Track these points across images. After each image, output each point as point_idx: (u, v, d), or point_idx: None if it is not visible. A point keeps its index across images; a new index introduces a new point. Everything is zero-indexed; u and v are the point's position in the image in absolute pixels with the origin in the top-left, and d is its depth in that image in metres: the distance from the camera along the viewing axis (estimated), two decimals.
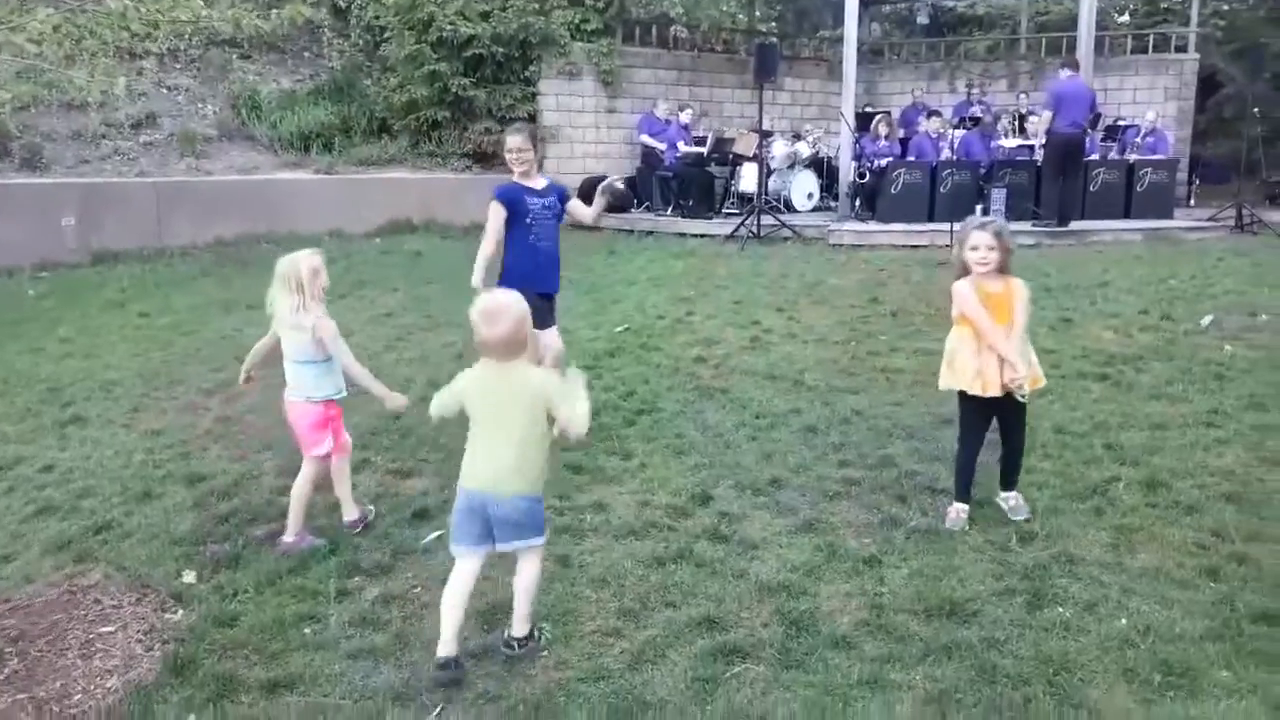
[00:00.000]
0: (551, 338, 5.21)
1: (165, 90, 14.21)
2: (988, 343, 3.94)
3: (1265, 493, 4.26)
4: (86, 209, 11.48)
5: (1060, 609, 3.35)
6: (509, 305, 3.06)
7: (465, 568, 3.15)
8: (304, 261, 4.11)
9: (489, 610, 3.46)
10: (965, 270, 4.00)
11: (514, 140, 5.22)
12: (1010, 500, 4.17)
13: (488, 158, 14.64)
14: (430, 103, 14.23)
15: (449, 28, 13.82)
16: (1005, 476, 4.21)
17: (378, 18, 14.92)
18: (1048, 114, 12.61)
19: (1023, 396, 3.96)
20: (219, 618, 3.46)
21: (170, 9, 3.30)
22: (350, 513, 4.24)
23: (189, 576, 3.80)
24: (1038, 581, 3.53)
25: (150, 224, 11.83)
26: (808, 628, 3.26)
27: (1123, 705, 2.82)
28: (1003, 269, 3.96)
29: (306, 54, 16.19)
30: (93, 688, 3.05)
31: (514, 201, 5.21)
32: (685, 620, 3.34)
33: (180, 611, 3.53)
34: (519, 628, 3.21)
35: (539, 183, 5.32)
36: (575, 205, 5.53)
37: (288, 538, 4.09)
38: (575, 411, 3.04)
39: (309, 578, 3.76)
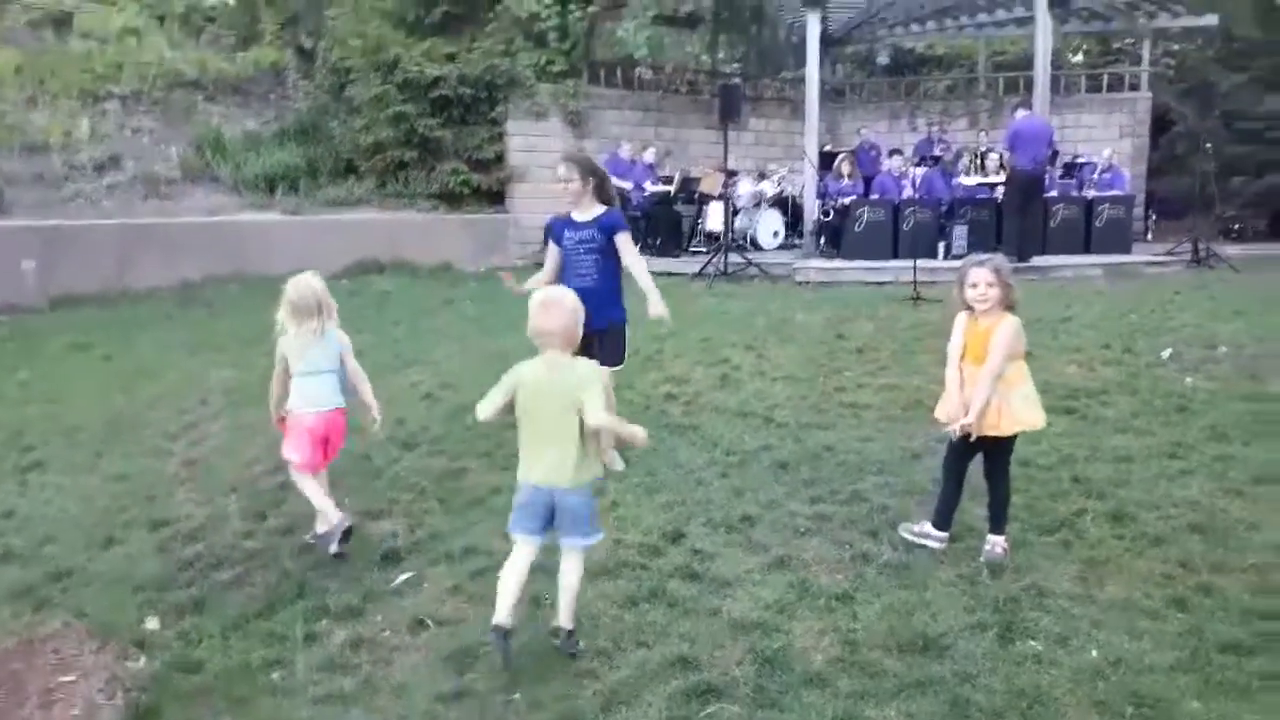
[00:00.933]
0: None
1: (129, 132, 14.13)
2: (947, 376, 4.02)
3: (1229, 523, 4.32)
4: (48, 252, 11.35)
5: (1032, 642, 3.36)
6: (561, 299, 3.37)
7: (524, 550, 3.39)
8: (316, 281, 4.43)
9: (459, 652, 3.42)
10: (968, 308, 4.06)
11: (560, 169, 5.18)
12: (988, 544, 4.11)
13: (455, 198, 14.69)
14: (397, 143, 14.29)
15: (415, 69, 13.93)
16: (991, 516, 4.19)
17: (343, 59, 15.00)
18: (1003, 153, 12.90)
19: (971, 438, 3.97)
20: (183, 664, 3.39)
21: (135, 52, 3.28)
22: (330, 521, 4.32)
23: (152, 623, 3.72)
24: (1009, 615, 3.55)
25: (113, 266, 11.71)
26: (782, 665, 3.25)
27: None
28: (1006, 305, 4.00)
29: (271, 96, 16.20)
30: None
31: (555, 235, 5.21)
32: (659, 660, 3.32)
33: (143, 659, 3.45)
34: (566, 621, 3.38)
35: (587, 214, 5.18)
36: (622, 242, 5.19)
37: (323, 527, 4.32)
38: (594, 402, 3.20)
39: (275, 622, 3.70)
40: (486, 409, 3.40)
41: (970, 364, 4.04)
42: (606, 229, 5.15)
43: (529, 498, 3.35)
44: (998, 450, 4.10)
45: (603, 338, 4.96)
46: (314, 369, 4.38)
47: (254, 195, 13.78)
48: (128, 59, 3.66)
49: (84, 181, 13.10)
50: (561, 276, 5.10)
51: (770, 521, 4.52)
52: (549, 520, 3.35)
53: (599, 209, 5.19)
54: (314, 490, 4.35)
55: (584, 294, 4.46)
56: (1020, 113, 12.81)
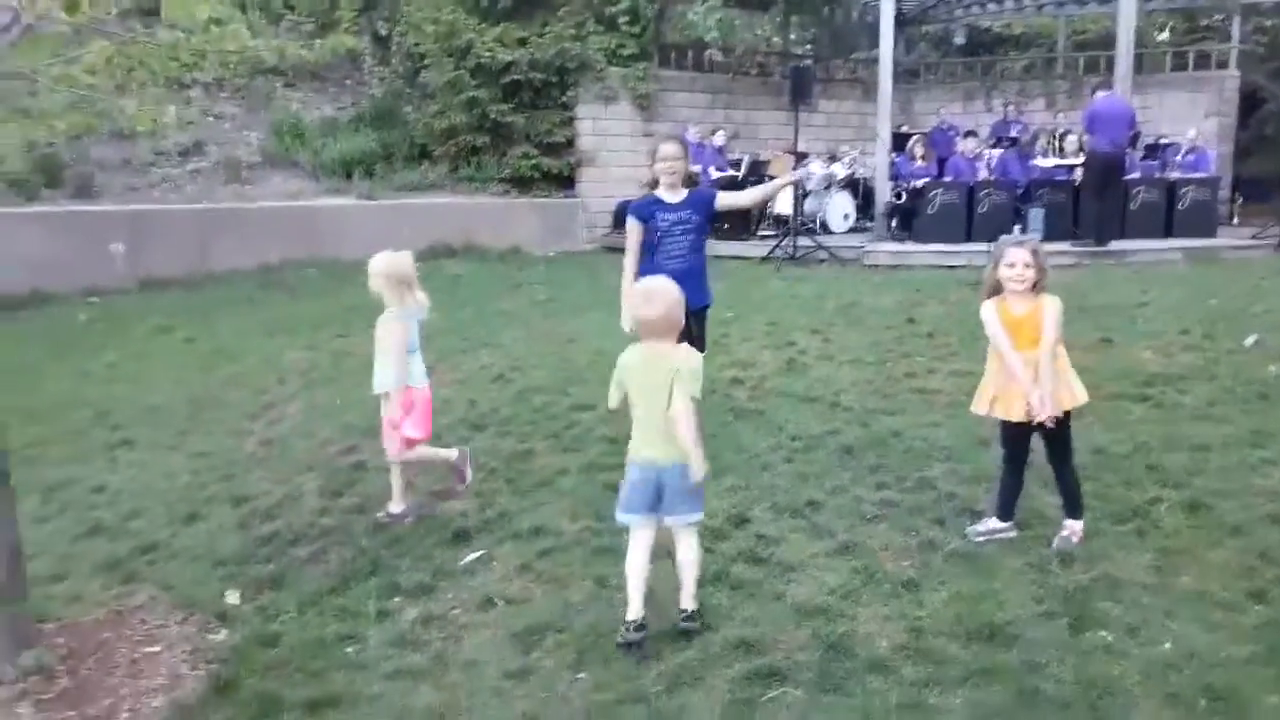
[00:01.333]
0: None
1: (211, 119, 14.53)
2: (1008, 367, 3.94)
3: None
4: (135, 235, 11.74)
5: (1102, 632, 3.32)
6: (665, 289, 3.41)
7: (640, 536, 3.44)
8: (408, 258, 4.57)
9: (526, 631, 3.49)
10: (995, 289, 4.00)
11: (667, 149, 5.10)
12: (1064, 529, 4.06)
13: (525, 182, 14.81)
14: (469, 128, 14.44)
15: (487, 54, 14.05)
16: (1064, 503, 4.13)
17: (418, 45, 15.19)
18: (1082, 135, 12.57)
19: (1051, 423, 3.91)
20: (261, 638, 3.52)
21: (218, 40, 3.38)
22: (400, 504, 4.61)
23: (233, 597, 3.87)
24: (1079, 604, 3.50)
25: (196, 250, 12.06)
26: (846, 651, 3.26)
27: None
28: (1037, 288, 3.94)
29: (348, 82, 16.49)
30: (139, 706, 3.12)
31: (646, 217, 5.12)
32: (722, 643, 3.35)
33: (224, 632, 3.59)
34: (688, 602, 3.45)
35: (678, 195, 5.14)
36: (726, 198, 5.58)
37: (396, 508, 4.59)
38: (680, 392, 3.29)
39: (349, 598, 3.82)
40: (614, 399, 3.49)
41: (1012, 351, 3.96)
42: (701, 206, 5.16)
43: (638, 476, 3.41)
44: (1057, 432, 4.01)
45: (699, 319, 4.98)
46: (415, 346, 4.64)
47: (331, 180, 14.06)
48: (212, 47, 3.75)
49: (169, 167, 13.52)
50: (650, 259, 5.06)
51: (835, 507, 4.51)
52: (658, 500, 3.40)
53: (685, 190, 5.16)
54: (430, 454, 4.75)
55: (680, 275, 4.35)
56: (1099, 93, 12.45)
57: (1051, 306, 3.92)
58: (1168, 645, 3.21)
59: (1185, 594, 3.57)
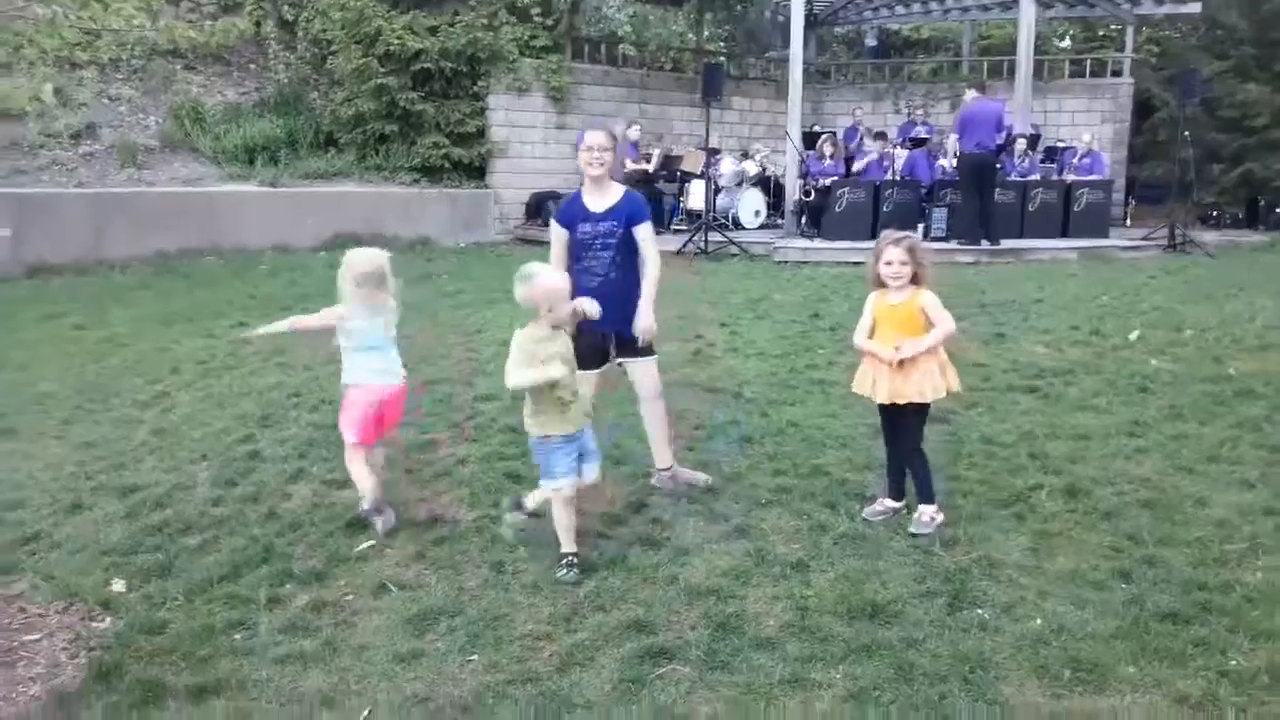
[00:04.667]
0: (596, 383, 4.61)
1: (106, 101, 14.03)
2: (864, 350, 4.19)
3: (1179, 498, 4.41)
4: (23, 220, 11.29)
5: (979, 610, 3.45)
6: (536, 273, 3.78)
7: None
8: (381, 254, 4.37)
9: (419, 615, 3.48)
10: (878, 282, 4.14)
11: (595, 137, 4.44)
12: (919, 513, 4.17)
13: (436, 172, 14.66)
14: (378, 116, 14.23)
15: (396, 42, 13.85)
16: (916, 488, 4.25)
17: (324, 31, 14.90)
18: (954, 137, 12.90)
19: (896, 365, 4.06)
20: (146, 625, 3.43)
21: (102, 17, 3.29)
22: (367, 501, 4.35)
23: (118, 585, 3.76)
24: (958, 584, 3.63)
25: (88, 236, 11.66)
26: (734, 630, 3.32)
27: (1033, 700, 2.91)
28: (916, 282, 4.09)
29: (252, 66, 16.09)
30: (14, 695, 3.02)
31: (567, 224, 4.52)
32: (614, 624, 3.39)
33: (107, 620, 3.50)
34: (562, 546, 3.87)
35: (606, 199, 4.49)
36: (643, 235, 4.49)
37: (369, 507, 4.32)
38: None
39: (240, 585, 3.75)
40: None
41: (879, 340, 4.15)
42: (628, 220, 4.46)
43: None
44: (900, 416, 4.18)
45: (615, 340, 4.51)
46: (376, 343, 4.30)
47: (233, 166, 13.71)
48: (96, 24, 3.61)
49: (59, 150, 13.01)
50: (573, 269, 4.44)
51: (732, 493, 4.59)
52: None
53: (617, 192, 4.52)
54: (360, 472, 4.30)
55: (603, 296, 4.20)
56: (969, 94, 12.76)
57: (932, 299, 4.08)
58: (1039, 622, 3.35)
59: (1059, 574, 3.73)
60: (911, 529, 4.10)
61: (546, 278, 3.82)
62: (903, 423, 4.22)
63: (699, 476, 4.71)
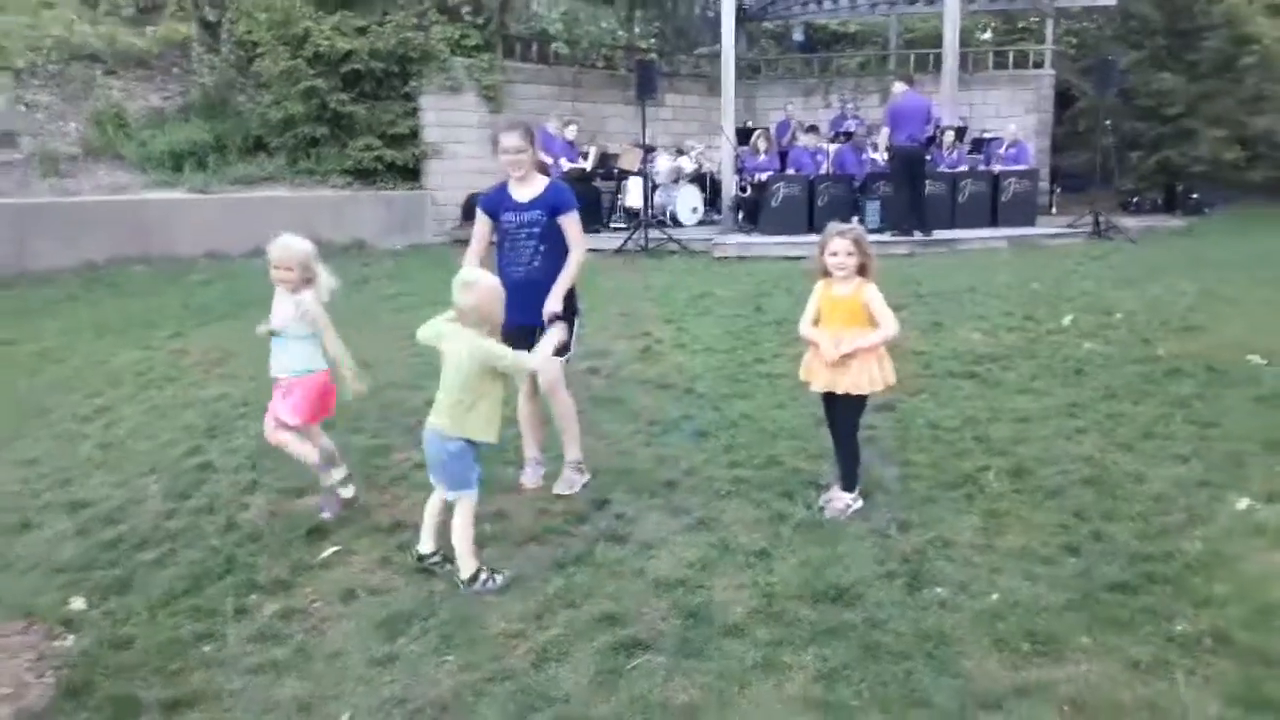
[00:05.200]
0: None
1: (23, 108, 13.61)
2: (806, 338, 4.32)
3: (1119, 475, 4.59)
4: None
5: (937, 589, 3.56)
6: (482, 279, 3.77)
7: (434, 499, 3.90)
8: (298, 242, 4.36)
9: (391, 619, 3.49)
10: (826, 272, 4.24)
11: (508, 140, 4.47)
12: (831, 497, 4.32)
13: (369, 175, 14.51)
14: (308, 119, 14.05)
15: (325, 43, 13.68)
16: (839, 472, 4.40)
17: (249, 33, 14.65)
18: (885, 130, 13.16)
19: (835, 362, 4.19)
20: (112, 641, 3.39)
21: (47, 25, 3.23)
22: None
23: (78, 603, 3.70)
24: (916, 565, 3.75)
25: (10, 247, 11.32)
26: (704, 618, 3.40)
27: (994, 672, 3.03)
28: (862, 273, 4.21)
29: (175, 70, 15.74)
30: None
31: (492, 211, 4.60)
32: (586, 619, 3.44)
33: (71, 638, 3.44)
34: (464, 569, 3.70)
35: (529, 189, 4.54)
36: (568, 225, 4.55)
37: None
38: (514, 362, 3.76)
39: (204, 598, 3.71)
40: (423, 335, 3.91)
41: (825, 329, 4.27)
42: (553, 209, 4.51)
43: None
44: (844, 406, 4.31)
45: (534, 334, 4.30)
46: (283, 333, 4.37)
47: (159, 173, 13.41)
48: (39, 33, 3.48)
49: None
50: (497, 260, 4.56)
51: (691, 486, 4.66)
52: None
53: (540, 183, 4.56)
54: (303, 448, 4.47)
55: (526, 286, 4.35)
56: (898, 87, 12.99)
57: (874, 293, 4.19)
58: (995, 597, 3.48)
59: (1010, 551, 3.87)
60: (823, 508, 4.24)
61: (490, 281, 3.79)
62: (838, 412, 4.36)
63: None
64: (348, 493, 4.54)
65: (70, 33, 3.62)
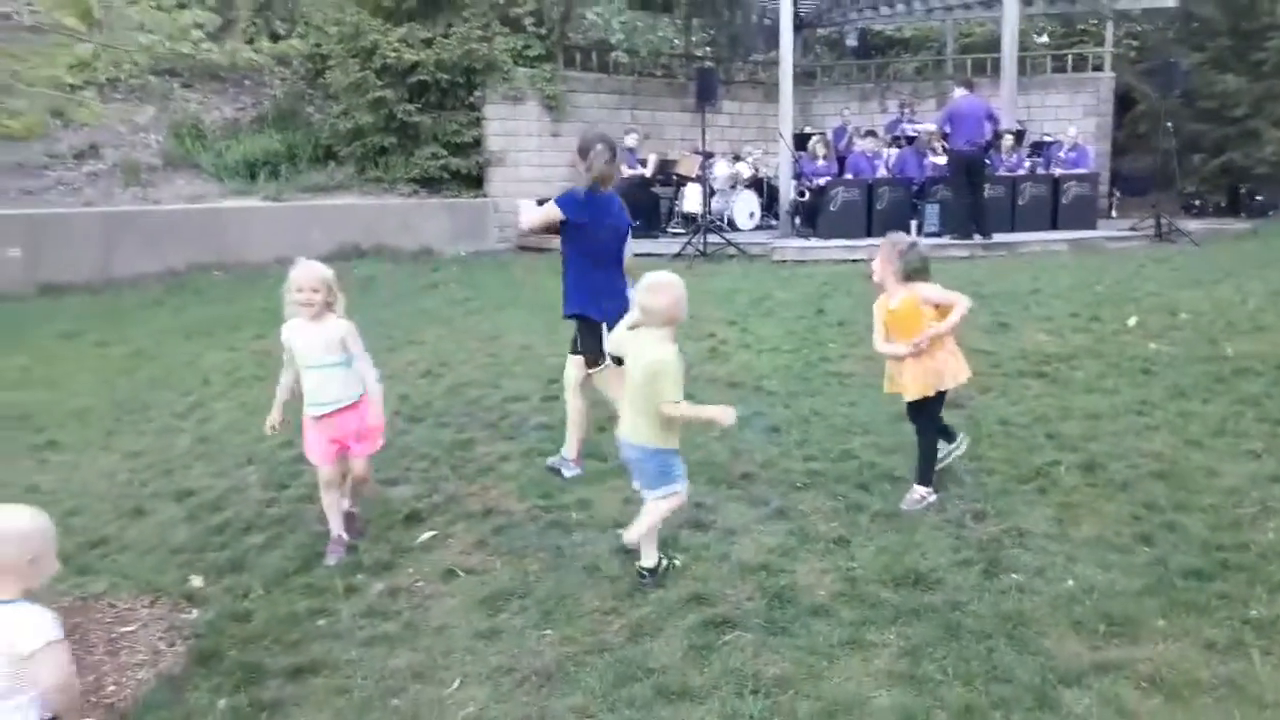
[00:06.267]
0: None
1: (104, 119, 14.15)
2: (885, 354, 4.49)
3: (1190, 470, 4.67)
4: (33, 240, 11.44)
5: (1014, 575, 3.69)
6: (671, 280, 3.71)
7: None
8: (318, 266, 4.21)
9: (491, 597, 3.69)
10: (880, 288, 4.47)
11: (603, 151, 4.79)
12: (911, 491, 4.48)
13: (434, 182, 14.87)
14: (376, 129, 14.42)
15: (393, 55, 14.04)
16: (917, 467, 4.57)
17: (319, 46, 15.08)
18: (933, 127, 13.17)
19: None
20: (234, 614, 3.65)
21: (176, 39, 3.51)
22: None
23: (197, 581, 3.97)
24: (992, 552, 3.87)
25: (98, 254, 11.81)
26: (789, 599, 3.56)
27: (1074, 651, 3.15)
28: (911, 279, 4.36)
29: (247, 82, 16.25)
30: (124, 680, 3.23)
31: (587, 212, 4.87)
32: (675, 599, 3.61)
33: (195, 611, 3.70)
34: (646, 559, 3.75)
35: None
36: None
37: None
38: (665, 400, 3.58)
39: (314, 577, 3.96)
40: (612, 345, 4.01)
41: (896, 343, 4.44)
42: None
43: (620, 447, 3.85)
44: (920, 406, 4.47)
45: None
46: (317, 362, 4.11)
47: (235, 182, 13.88)
48: (164, 46, 3.69)
49: (64, 170, 13.17)
50: (591, 265, 4.85)
51: (768, 479, 4.82)
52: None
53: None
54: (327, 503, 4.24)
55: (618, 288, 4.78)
56: (958, 91, 13.02)
57: (923, 289, 4.36)
58: (1070, 583, 3.60)
59: (1084, 541, 3.98)
60: (902, 504, 4.38)
61: (679, 282, 3.72)
62: (913, 409, 4.52)
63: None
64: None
65: (196, 50, 3.86)
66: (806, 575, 3.76)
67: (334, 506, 4.24)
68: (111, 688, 3.18)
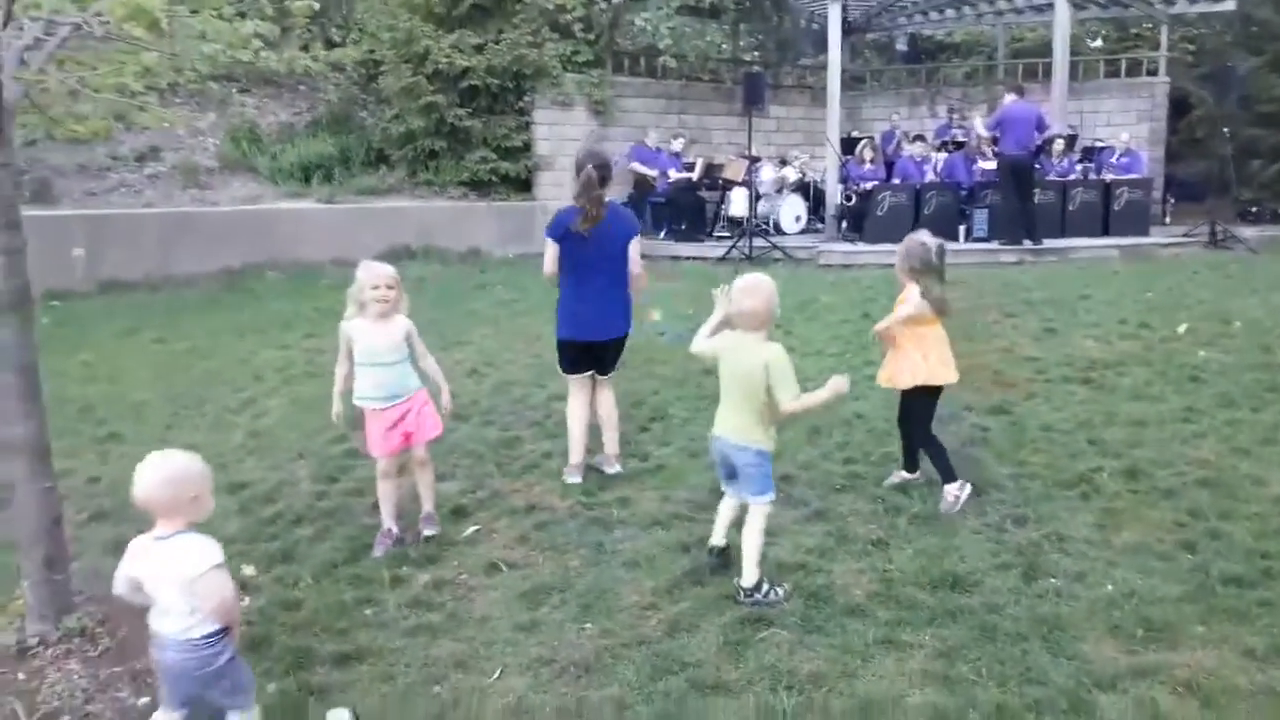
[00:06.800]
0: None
1: (166, 124, 14.52)
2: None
3: (1237, 478, 4.63)
4: (95, 240, 11.75)
5: (1052, 579, 3.70)
6: (762, 282, 3.75)
7: (727, 502, 3.95)
8: (384, 267, 4.37)
9: (532, 590, 3.78)
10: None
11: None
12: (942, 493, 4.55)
13: (484, 186, 15.05)
14: (427, 133, 14.62)
15: (445, 60, 14.24)
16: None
17: (372, 52, 15.35)
18: (982, 131, 13.08)
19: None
20: (284, 602, 3.77)
21: (236, 47, 3.63)
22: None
23: (249, 569, 4.09)
24: (1031, 557, 3.88)
25: (156, 254, 12.10)
26: (825, 599, 3.60)
27: (1110, 655, 3.16)
28: (913, 278, 4.55)
29: (302, 87, 16.57)
30: None
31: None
32: (713, 595, 3.67)
33: (246, 599, 3.82)
34: (749, 578, 3.67)
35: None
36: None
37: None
38: (788, 396, 3.64)
39: (361, 568, 4.07)
40: (699, 346, 3.89)
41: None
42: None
43: (715, 449, 3.86)
44: (904, 402, 4.67)
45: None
46: (382, 360, 4.27)
47: (289, 185, 14.16)
48: (235, 56, 3.81)
49: (125, 172, 13.54)
50: (574, 281, 5.03)
51: (807, 480, 4.86)
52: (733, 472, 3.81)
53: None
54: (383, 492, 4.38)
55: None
56: (1008, 97, 12.93)
57: (908, 291, 4.56)
58: (1109, 588, 3.60)
59: (1125, 547, 3.97)
60: (940, 508, 4.41)
61: (772, 284, 3.77)
62: (903, 406, 4.71)
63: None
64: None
65: (255, 59, 3.96)
66: (843, 575, 3.80)
67: (389, 497, 4.37)
68: None
